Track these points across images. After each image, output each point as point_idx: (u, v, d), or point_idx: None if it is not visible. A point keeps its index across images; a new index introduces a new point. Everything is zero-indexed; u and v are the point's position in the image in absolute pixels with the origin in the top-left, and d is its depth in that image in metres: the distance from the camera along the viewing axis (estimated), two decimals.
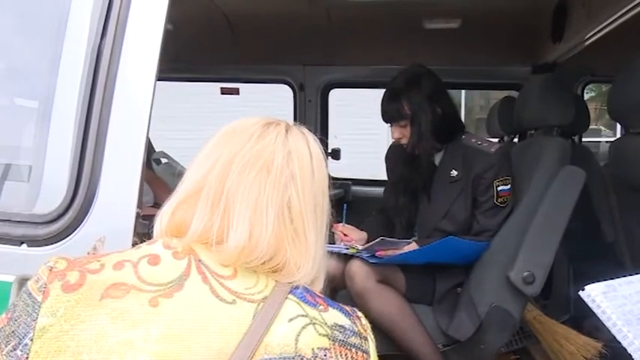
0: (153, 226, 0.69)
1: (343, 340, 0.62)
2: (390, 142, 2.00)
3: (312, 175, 0.69)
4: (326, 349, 0.60)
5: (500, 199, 1.69)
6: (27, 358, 0.57)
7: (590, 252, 2.15)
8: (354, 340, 0.63)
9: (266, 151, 0.68)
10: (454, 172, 1.75)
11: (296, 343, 0.59)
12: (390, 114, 1.78)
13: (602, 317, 0.76)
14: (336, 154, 2.95)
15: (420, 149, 1.75)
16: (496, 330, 1.66)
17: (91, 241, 0.85)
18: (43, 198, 0.93)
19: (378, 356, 0.65)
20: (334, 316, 0.64)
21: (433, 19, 2.40)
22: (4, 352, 0.59)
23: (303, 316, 0.62)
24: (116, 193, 0.86)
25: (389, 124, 1.81)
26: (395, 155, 1.96)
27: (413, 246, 1.71)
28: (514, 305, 1.65)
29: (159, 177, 2.36)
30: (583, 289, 0.79)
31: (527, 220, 1.64)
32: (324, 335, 0.61)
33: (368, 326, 0.66)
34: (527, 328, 2.13)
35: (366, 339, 0.64)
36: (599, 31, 2.00)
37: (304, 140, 0.71)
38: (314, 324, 0.61)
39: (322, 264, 0.71)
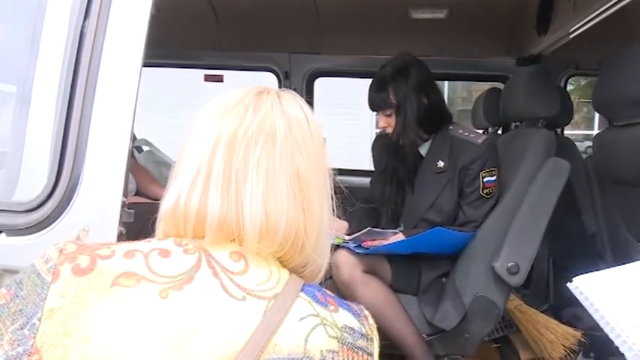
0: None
1: (352, 343, 0.61)
2: (375, 132, 2.00)
3: (311, 138, 0.68)
4: (335, 351, 0.59)
5: (486, 190, 1.70)
6: (34, 337, 0.56)
7: (571, 243, 2.19)
8: (361, 342, 0.62)
9: (267, 121, 0.65)
10: (441, 163, 1.75)
11: (305, 344, 0.58)
12: (376, 102, 1.77)
13: (590, 309, 0.76)
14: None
15: (405, 139, 1.75)
16: (480, 319, 1.68)
17: (74, 230, 0.82)
18: (22, 186, 0.90)
19: None
20: (344, 317, 0.62)
21: (420, 9, 2.39)
22: (9, 330, 0.57)
23: (314, 315, 0.60)
24: (101, 181, 0.83)
25: (375, 113, 1.80)
26: (381, 145, 1.96)
27: (399, 236, 1.71)
28: (498, 295, 1.67)
29: (141, 165, 2.31)
30: (570, 281, 0.79)
31: (512, 211, 1.66)
32: (333, 337, 0.60)
33: (374, 327, 0.65)
34: (509, 317, 2.17)
35: (372, 340, 0.63)
36: (583, 25, 2.01)
37: (298, 105, 0.69)
38: (324, 325, 0.60)
39: (327, 241, 0.70)
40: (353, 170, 2.97)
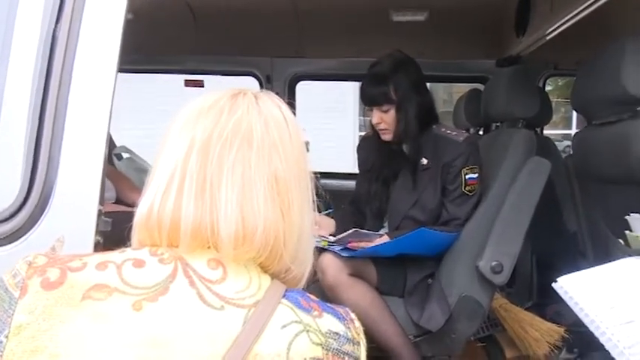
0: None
1: (337, 349, 0.59)
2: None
3: (290, 140, 0.66)
4: (319, 359, 0.57)
5: (468, 188, 1.72)
6: (1, 355, 0.54)
7: (553, 241, 2.22)
8: (347, 347, 0.60)
9: (243, 123, 0.63)
10: (424, 161, 1.76)
11: (288, 352, 0.56)
12: (374, 97, 1.75)
13: (575, 308, 0.77)
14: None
15: (408, 136, 1.74)
16: (466, 319, 1.68)
17: (48, 241, 0.79)
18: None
19: None
20: (328, 322, 0.61)
21: (400, 12, 2.40)
22: None
23: (296, 322, 0.59)
24: (76, 189, 0.81)
25: (368, 109, 1.79)
26: (367, 146, 1.96)
27: (385, 238, 1.70)
28: (483, 295, 1.68)
29: (121, 172, 2.27)
30: (555, 281, 0.80)
31: (495, 211, 1.67)
32: (317, 344, 0.58)
33: (361, 330, 0.63)
34: (493, 316, 2.18)
35: (358, 344, 0.62)
36: (561, 25, 2.04)
37: (276, 106, 0.67)
38: (308, 331, 0.58)
39: (308, 246, 0.68)
40: (336, 173, 2.97)
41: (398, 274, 1.74)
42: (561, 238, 2.08)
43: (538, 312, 2.21)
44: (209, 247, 0.62)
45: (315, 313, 0.61)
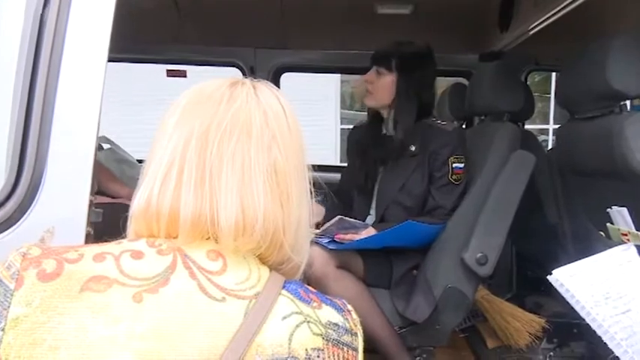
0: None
1: (336, 339, 0.59)
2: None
3: (289, 131, 0.65)
4: (320, 349, 0.58)
5: (454, 177, 1.75)
6: None
7: (533, 234, 2.26)
8: (346, 338, 0.60)
9: (241, 113, 0.63)
10: (412, 147, 1.80)
11: (289, 344, 0.56)
12: (378, 54, 1.86)
13: (571, 301, 0.78)
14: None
15: (403, 113, 1.79)
16: (451, 310, 1.71)
17: (37, 232, 0.77)
18: None
19: None
20: (328, 313, 0.61)
21: (385, 4, 2.40)
22: None
23: (297, 313, 0.59)
24: (66, 179, 0.78)
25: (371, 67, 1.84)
26: (358, 132, 2.03)
27: (371, 231, 1.71)
28: (468, 286, 1.71)
29: (101, 163, 2.22)
30: (550, 274, 0.81)
31: (480, 204, 1.69)
32: (318, 335, 0.58)
33: (358, 321, 0.64)
34: (475, 307, 2.22)
35: (356, 335, 0.62)
36: (544, 21, 2.07)
37: (274, 96, 0.67)
38: (308, 322, 0.58)
39: (306, 236, 0.67)
40: (318, 166, 2.96)
41: (384, 265, 1.75)
42: (541, 231, 2.13)
43: (518, 303, 2.26)
44: (208, 239, 0.61)
45: (315, 304, 0.61)
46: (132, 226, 0.63)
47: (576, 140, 1.54)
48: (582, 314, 0.77)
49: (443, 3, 2.29)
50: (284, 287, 0.61)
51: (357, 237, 1.69)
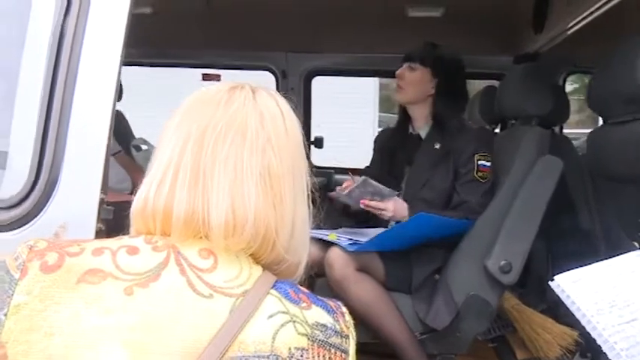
0: (124, 216, 0.66)
1: (323, 340, 0.60)
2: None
3: (286, 134, 0.67)
4: (304, 349, 0.58)
5: (480, 174, 1.74)
6: (0, 332, 0.57)
7: (568, 241, 2.18)
8: (334, 339, 0.61)
9: (238, 116, 0.65)
10: (437, 145, 1.82)
11: (273, 342, 0.58)
12: (412, 51, 1.90)
13: (572, 308, 0.75)
14: (319, 143, 2.94)
15: (440, 108, 1.81)
16: (473, 318, 1.67)
17: (53, 226, 0.83)
18: (7, 183, 0.90)
19: (357, 344, 0.63)
20: (317, 314, 0.62)
21: (416, 7, 2.38)
22: None
23: (283, 313, 0.60)
24: (79, 178, 0.84)
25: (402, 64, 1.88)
26: (385, 134, 2.08)
27: (397, 201, 1.73)
28: (491, 294, 1.67)
29: (138, 164, 2.32)
30: (552, 280, 0.78)
31: (504, 210, 1.65)
32: (303, 335, 0.59)
33: (351, 323, 0.64)
34: (505, 316, 2.16)
35: (347, 337, 0.62)
36: (580, 22, 2.00)
37: (273, 100, 0.68)
38: (294, 322, 0.59)
39: (302, 238, 0.68)
40: (352, 169, 2.97)
41: (405, 269, 1.74)
42: (576, 238, 2.04)
43: (552, 314, 2.18)
44: (201, 237, 0.63)
45: (304, 304, 0.62)
46: (133, 224, 0.67)
47: (606, 145, 1.48)
48: (583, 322, 0.74)
49: (474, 5, 2.26)
50: (274, 287, 0.62)
51: (381, 205, 1.70)
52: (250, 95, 0.67)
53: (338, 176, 2.93)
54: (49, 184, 0.83)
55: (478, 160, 1.74)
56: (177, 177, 0.63)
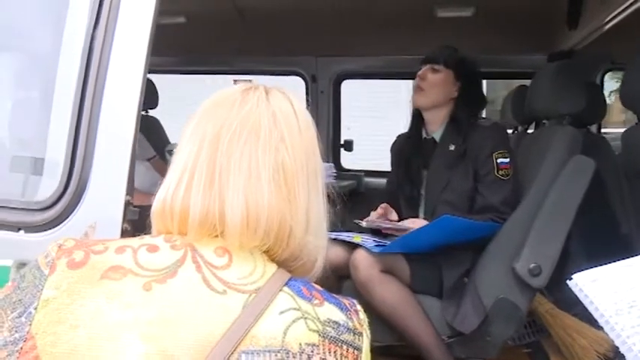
0: (149, 216, 0.70)
1: (335, 337, 0.61)
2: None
3: (299, 133, 0.68)
4: (314, 345, 0.59)
5: (501, 172, 1.71)
6: (30, 324, 0.61)
7: (606, 243, 2.09)
8: (346, 336, 0.62)
9: (251, 116, 0.67)
10: (452, 147, 1.79)
11: (284, 337, 0.59)
12: (434, 53, 1.86)
13: (590, 307, 0.73)
14: (348, 146, 2.95)
15: (460, 112, 1.79)
16: (502, 322, 1.64)
17: (83, 227, 0.88)
18: (42, 186, 0.96)
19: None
20: (329, 311, 0.63)
21: (446, 8, 2.36)
22: (9, 317, 0.62)
23: (295, 309, 0.61)
24: (107, 181, 0.89)
25: (422, 67, 1.85)
26: (400, 141, 2.04)
27: (416, 221, 1.74)
28: (521, 297, 1.63)
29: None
30: (570, 279, 0.76)
31: (534, 211, 1.61)
32: (314, 331, 0.60)
33: (365, 321, 0.65)
34: (540, 321, 2.10)
35: (360, 335, 0.63)
36: (616, 16, 1.93)
37: (286, 99, 0.70)
38: (305, 318, 0.61)
39: (319, 235, 0.70)
40: (382, 172, 2.96)
41: (432, 272, 1.72)
42: (613, 241, 1.97)
43: (588, 319, 2.10)
44: (217, 236, 0.66)
45: (316, 301, 0.63)
46: (154, 225, 0.70)
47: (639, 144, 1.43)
48: (601, 322, 0.72)
49: (505, 3, 2.22)
50: (287, 284, 0.64)
51: (402, 226, 1.72)
52: (264, 96, 0.69)
53: (368, 179, 2.93)
54: (80, 188, 0.88)
55: (497, 158, 1.71)
56: (192, 179, 0.66)
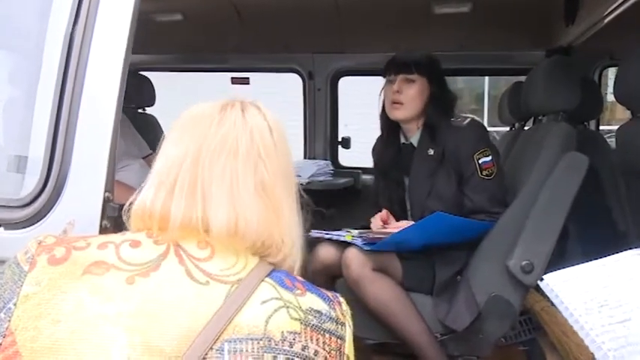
0: (127, 218, 0.70)
1: (317, 325, 0.62)
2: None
3: (275, 148, 0.71)
4: (296, 332, 0.61)
5: (485, 172, 1.68)
6: (9, 320, 0.62)
7: (603, 242, 2.08)
8: (328, 325, 0.63)
9: (229, 136, 0.69)
10: (431, 151, 1.75)
11: (266, 325, 0.60)
12: (406, 62, 1.78)
13: (560, 307, 0.73)
14: (346, 143, 2.94)
15: (435, 117, 1.75)
16: (495, 320, 1.63)
17: (63, 224, 0.88)
18: (24, 183, 0.96)
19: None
20: (311, 300, 0.64)
21: (443, 4, 2.34)
22: None
23: (277, 299, 0.62)
24: (85, 179, 0.89)
25: (392, 76, 1.80)
26: (378, 146, 1.98)
27: (404, 223, 1.70)
28: (514, 295, 1.62)
29: None
30: (542, 279, 0.76)
31: (527, 208, 1.60)
32: (296, 319, 0.61)
33: (348, 312, 0.66)
34: (535, 319, 2.09)
35: (343, 325, 0.64)
36: (614, 11, 1.91)
37: (261, 115, 0.73)
38: (287, 307, 0.62)
39: (297, 240, 0.72)
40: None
41: (425, 270, 1.71)
42: (611, 239, 1.95)
43: None
44: (199, 234, 0.66)
45: (299, 291, 0.65)
46: (132, 224, 0.71)
47: (634, 140, 1.41)
48: (570, 322, 0.71)
49: None
50: (269, 275, 0.65)
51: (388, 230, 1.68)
52: (240, 113, 0.72)
53: (365, 176, 2.92)
54: (59, 184, 0.88)
55: (478, 159, 1.67)
56: (174, 185, 0.67)
